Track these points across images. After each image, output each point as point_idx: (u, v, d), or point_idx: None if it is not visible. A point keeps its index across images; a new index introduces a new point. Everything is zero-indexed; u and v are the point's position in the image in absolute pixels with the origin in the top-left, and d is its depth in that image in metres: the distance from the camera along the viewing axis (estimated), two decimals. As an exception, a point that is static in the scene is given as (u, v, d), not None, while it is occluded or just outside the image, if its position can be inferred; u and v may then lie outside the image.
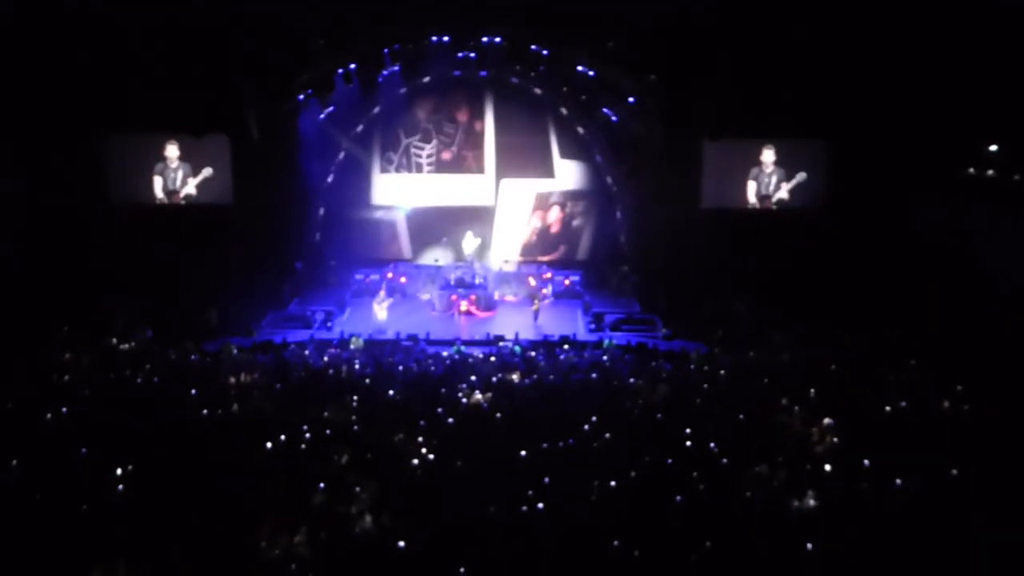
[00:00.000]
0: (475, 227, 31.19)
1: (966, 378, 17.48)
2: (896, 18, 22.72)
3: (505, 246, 31.78)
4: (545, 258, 31.91)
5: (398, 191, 31.86)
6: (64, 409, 15.57)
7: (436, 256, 30.95)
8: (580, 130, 30.56)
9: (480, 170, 31.49)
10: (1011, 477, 12.26)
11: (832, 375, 18.11)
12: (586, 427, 14.82)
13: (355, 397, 16.55)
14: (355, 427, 14.88)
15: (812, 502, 11.99)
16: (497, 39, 27.25)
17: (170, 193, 27.34)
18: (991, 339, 19.36)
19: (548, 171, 31.39)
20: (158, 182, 27.35)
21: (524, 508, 11.63)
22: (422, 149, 31.59)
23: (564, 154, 31.21)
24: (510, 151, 31.29)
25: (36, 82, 23.49)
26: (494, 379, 18.40)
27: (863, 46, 23.38)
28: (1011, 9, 21.22)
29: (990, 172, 24.32)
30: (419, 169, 31.69)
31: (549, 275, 29.38)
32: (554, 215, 31.90)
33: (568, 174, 31.49)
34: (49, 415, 15.19)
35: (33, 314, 20.91)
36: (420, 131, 31.42)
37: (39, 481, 12.32)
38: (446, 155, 31.55)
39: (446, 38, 27.29)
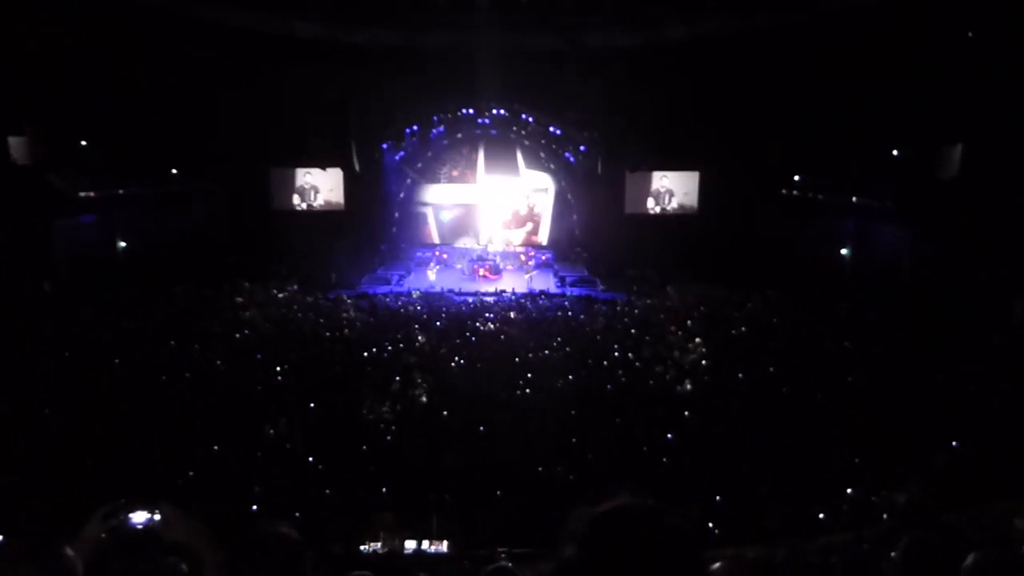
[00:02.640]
0: (475, 219, 31.04)
1: (783, 314, 17.60)
2: (732, 103, 22.84)
3: (491, 224, 31.09)
4: (518, 231, 31.20)
5: (426, 195, 31.39)
6: (247, 331, 15.72)
7: (465, 242, 30.92)
8: (551, 166, 30.41)
9: (474, 181, 30.76)
10: (805, 373, 12.43)
11: (701, 312, 18.20)
12: (554, 344, 14.87)
13: (416, 326, 16.58)
14: (416, 343, 14.96)
15: (689, 387, 12.12)
16: (502, 111, 27.25)
17: (307, 204, 27.42)
18: (797, 290, 19.44)
19: (516, 173, 30.51)
20: (296, 197, 27.37)
21: (518, 392, 11.73)
22: (440, 169, 31.00)
23: (527, 165, 30.34)
24: (493, 166, 30.33)
25: (232, 137, 23.46)
26: (499, 316, 18.48)
27: (716, 121, 23.48)
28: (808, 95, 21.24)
29: (795, 192, 24.42)
30: (437, 181, 31.04)
31: (532, 254, 29.33)
32: (521, 202, 31.07)
33: (528, 177, 30.56)
34: (238, 335, 15.34)
35: (227, 275, 20.94)
36: (440, 159, 30.90)
37: (232, 372, 12.54)
38: (454, 172, 30.83)
39: (471, 110, 27.29)
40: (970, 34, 18.05)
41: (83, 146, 22.43)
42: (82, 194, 20.86)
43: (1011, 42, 16.54)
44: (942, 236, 18.04)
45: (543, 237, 31.30)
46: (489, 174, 30.39)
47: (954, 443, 8.42)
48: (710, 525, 7.40)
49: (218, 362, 12.91)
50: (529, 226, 31.30)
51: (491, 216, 30.97)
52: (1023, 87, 15.92)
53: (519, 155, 30.13)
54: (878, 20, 18.99)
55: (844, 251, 22.65)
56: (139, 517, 1.47)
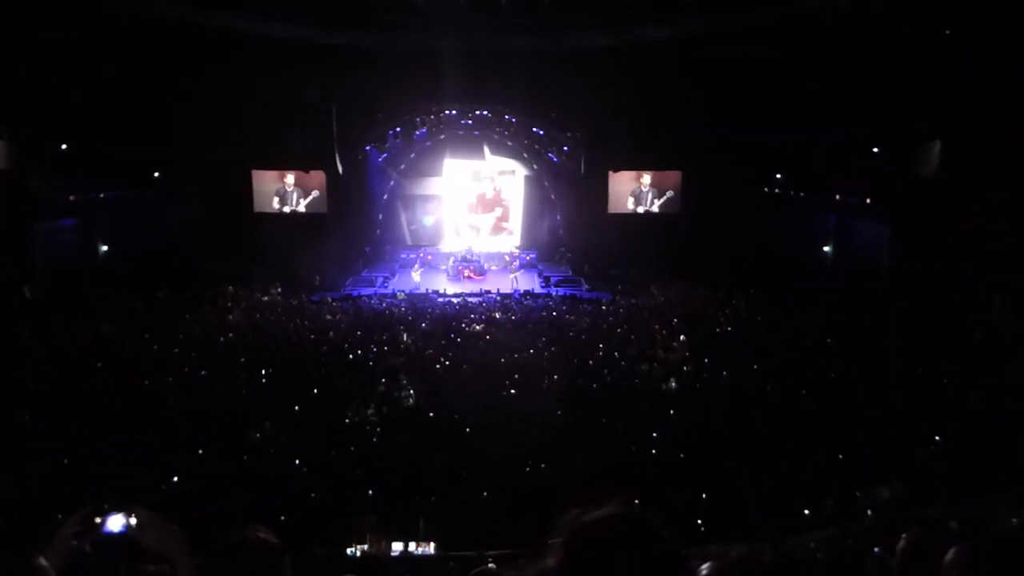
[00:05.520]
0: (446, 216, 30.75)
1: (766, 312, 17.69)
2: (713, 102, 22.83)
3: (456, 209, 30.49)
4: (486, 217, 30.62)
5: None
6: (231, 334, 15.61)
7: (449, 244, 30.78)
8: (535, 166, 30.33)
9: (440, 173, 30.08)
10: (787, 371, 12.49)
11: (685, 310, 18.26)
12: (540, 344, 14.84)
13: (402, 327, 16.54)
14: (402, 345, 14.90)
15: (674, 385, 12.15)
16: (486, 112, 27.21)
17: (288, 208, 27.22)
18: (780, 286, 19.54)
19: (481, 157, 29.81)
20: (276, 201, 27.05)
21: (503, 393, 11.73)
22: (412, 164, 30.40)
23: (492, 152, 29.69)
24: (457, 152, 29.76)
25: (212, 140, 23.20)
26: (484, 316, 18.46)
27: (697, 121, 23.49)
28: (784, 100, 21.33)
29: (777, 190, 24.58)
30: (409, 176, 30.52)
31: (517, 254, 29.25)
32: (487, 186, 30.38)
33: (493, 161, 29.87)
34: (222, 339, 15.23)
35: (211, 278, 20.79)
36: (422, 158, 30.22)
37: (217, 372, 12.52)
38: (421, 164, 30.24)
39: (454, 112, 27.24)
40: (947, 32, 18.22)
41: (63, 149, 22.18)
42: (62, 197, 20.65)
43: (989, 40, 16.71)
44: (922, 232, 18.22)
45: (514, 226, 30.85)
46: (453, 159, 30.03)
47: (935, 438, 8.49)
48: (697, 522, 7.43)
49: (202, 371, 12.78)
50: (498, 211, 30.79)
51: (458, 203, 30.53)
52: (1000, 84, 16.10)
53: (484, 143, 29.75)
54: (856, 18, 19.11)
55: (826, 248, 22.83)
56: (114, 522, 1.45)
